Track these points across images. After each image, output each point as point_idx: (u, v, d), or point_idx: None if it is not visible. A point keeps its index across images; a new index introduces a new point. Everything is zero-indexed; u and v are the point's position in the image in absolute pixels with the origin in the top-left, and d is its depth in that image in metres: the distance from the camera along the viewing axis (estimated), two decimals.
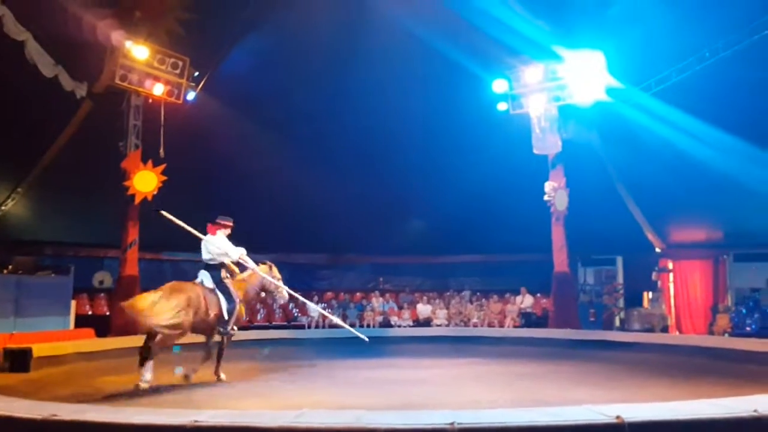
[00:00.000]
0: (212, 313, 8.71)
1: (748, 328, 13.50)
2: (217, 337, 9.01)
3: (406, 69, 15.66)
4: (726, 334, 13.32)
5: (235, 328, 9.14)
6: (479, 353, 12.73)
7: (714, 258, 15.85)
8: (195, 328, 8.66)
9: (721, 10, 12.09)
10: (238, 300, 9.07)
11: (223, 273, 9.15)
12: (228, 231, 9.31)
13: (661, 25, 12.82)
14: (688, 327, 15.97)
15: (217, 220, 9.28)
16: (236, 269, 9.43)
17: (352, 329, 10.19)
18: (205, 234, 9.27)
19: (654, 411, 4.37)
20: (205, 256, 9.17)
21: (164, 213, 9.00)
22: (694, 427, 4.16)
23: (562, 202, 15.44)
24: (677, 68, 13.36)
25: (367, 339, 9.80)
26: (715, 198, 14.28)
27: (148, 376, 8.12)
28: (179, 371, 8.83)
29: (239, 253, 9.29)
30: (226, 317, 8.85)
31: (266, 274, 9.67)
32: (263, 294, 9.95)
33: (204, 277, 9.07)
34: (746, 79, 12.36)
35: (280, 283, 9.68)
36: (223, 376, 9.08)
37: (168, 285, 8.56)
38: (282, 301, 10.42)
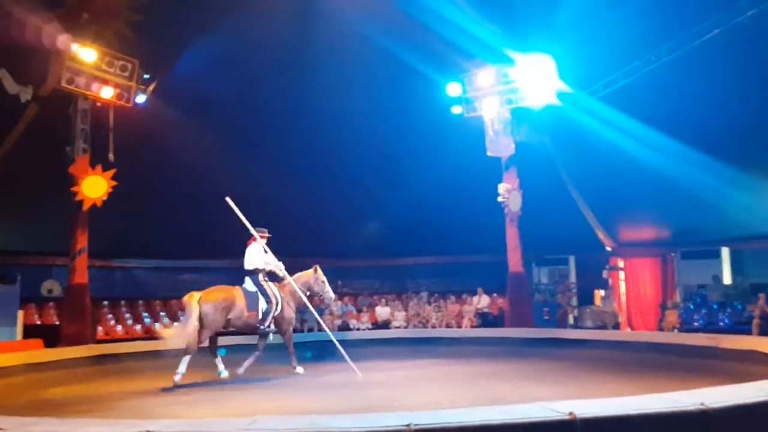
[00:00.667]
0: (248, 313, 9.85)
1: (695, 324, 13.94)
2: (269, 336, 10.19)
3: (360, 71, 15.67)
4: (675, 330, 13.72)
5: (272, 327, 10.22)
6: (438, 354, 12.80)
7: (662, 256, 16.32)
8: (234, 326, 9.96)
9: (666, 15, 12.47)
10: (275, 301, 10.12)
11: (261, 277, 10.22)
12: (264, 240, 10.36)
13: (608, 29, 13.13)
14: (638, 323, 16.39)
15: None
16: (280, 273, 10.50)
17: (348, 360, 10.16)
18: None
19: (605, 406, 4.45)
20: (246, 264, 10.26)
21: (229, 200, 10.08)
22: (644, 422, 4.26)
23: (516, 204, 15.67)
24: (624, 72, 13.74)
25: (360, 375, 9.80)
26: (662, 198, 14.73)
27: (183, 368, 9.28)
28: (224, 374, 9.79)
29: (264, 261, 10.28)
30: (260, 317, 9.93)
31: (311, 276, 10.80)
32: (308, 294, 10.84)
33: (246, 281, 10.19)
34: (690, 83, 12.77)
35: (326, 285, 10.68)
36: (299, 369, 10.21)
37: (212, 287, 9.84)
38: (329, 302, 11.48)
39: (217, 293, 9.68)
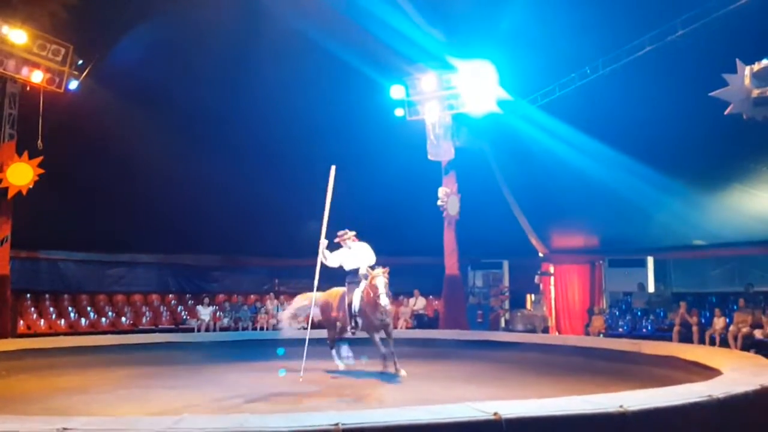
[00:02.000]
0: (336, 314, 10.19)
1: (620, 329, 14.44)
2: (378, 335, 9.78)
3: (302, 70, 15.60)
4: (600, 335, 14.14)
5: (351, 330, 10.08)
6: (371, 354, 12.81)
7: (591, 263, 16.83)
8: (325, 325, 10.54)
9: (602, 31, 12.91)
10: (357, 303, 9.84)
11: (349, 279, 10.13)
12: (345, 242, 10.18)
13: (548, 41, 13.49)
14: (566, 328, 16.85)
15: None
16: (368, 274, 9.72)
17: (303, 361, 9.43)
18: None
19: (529, 407, 4.57)
20: (354, 265, 10.14)
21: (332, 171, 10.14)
22: (567, 422, 4.40)
23: (454, 208, 15.87)
24: (561, 83, 14.14)
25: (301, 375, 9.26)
26: (592, 206, 15.20)
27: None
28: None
29: (332, 260, 10.12)
30: (347, 317, 9.91)
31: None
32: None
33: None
34: (624, 95, 13.26)
35: (381, 289, 9.42)
36: (403, 372, 9.54)
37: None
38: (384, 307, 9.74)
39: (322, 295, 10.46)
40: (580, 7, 12.68)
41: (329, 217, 9.95)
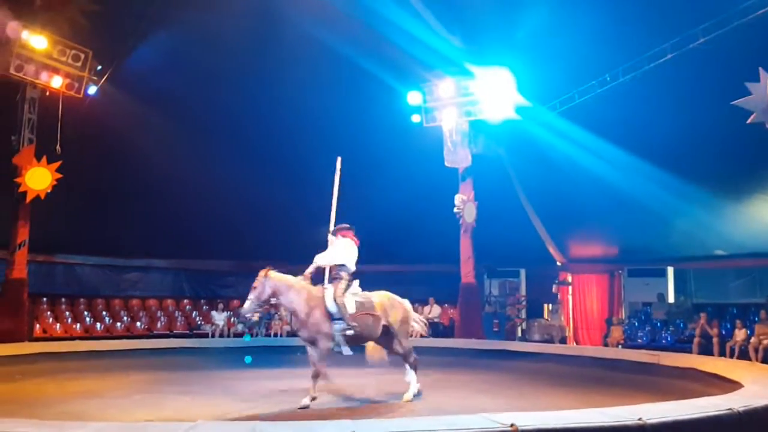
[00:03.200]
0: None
1: (639, 340, 14.21)
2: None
3: (319, 76, 15.59)
4: (619, 346, 13.94)
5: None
6: (385, 363, 12.72)
7: (610, 273, 16.63)
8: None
9: (622, 38, 12.79)
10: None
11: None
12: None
13: (567, 48, 13.38)
14: (584, 338, 16.65)
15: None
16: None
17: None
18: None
19: (547, 419, 4.48)
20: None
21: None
22: None
23: (471, 215, 15.76)
24: (580, 90, 14.02)
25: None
26: (612, 215, 15.03)
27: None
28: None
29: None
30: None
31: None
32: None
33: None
34: (644, 102, 13.12)
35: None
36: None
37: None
38: None
39: None
40: (600, 14, 12.58)
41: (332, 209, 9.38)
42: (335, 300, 8.02)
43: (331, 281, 8.38)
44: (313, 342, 8.01)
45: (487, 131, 15.94)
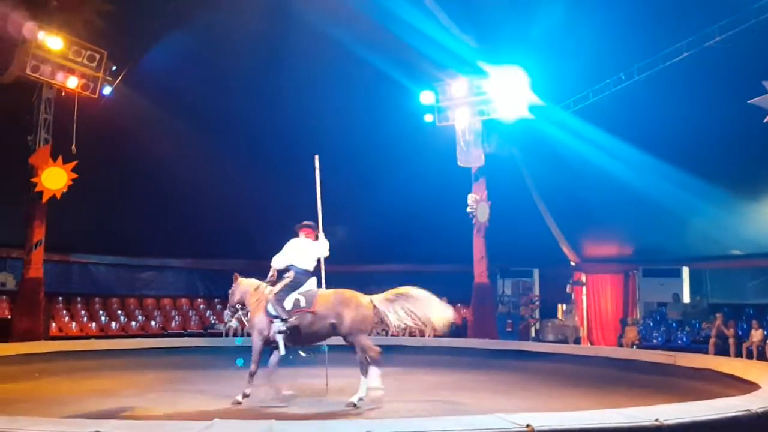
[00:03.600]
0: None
1: (654, 341, 14.10)
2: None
3: (333, 76, 15.63)
4: (634, 346, 13.85)
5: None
6: (400, 362, 12.70)
7: (624, 272, 16.51)
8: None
9: (637, 37, 12.71)
10: None
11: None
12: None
13: (581, 47, 13.31)
14: (598, 338, 16.55)
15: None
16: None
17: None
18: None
19: (563, 419, 4.45)
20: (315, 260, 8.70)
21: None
22: None
23: (484, 215, 15.72)
24: (594, 89, 13.94)
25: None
26: (626, 214, 14.94)
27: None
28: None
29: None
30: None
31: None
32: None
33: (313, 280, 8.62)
34: (660, 101, 13.02)
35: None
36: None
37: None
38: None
39: None
40: (615, 12, 12.50)
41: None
42: (269, 299, 8.08)
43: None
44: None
45: (500, 131, 15.87)
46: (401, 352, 14.61)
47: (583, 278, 17.44)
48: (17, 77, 13.17)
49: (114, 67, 14.34)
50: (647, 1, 12.50)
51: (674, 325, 14.41)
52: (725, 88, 11.61)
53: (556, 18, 13.28)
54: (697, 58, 11.86)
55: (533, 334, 16.90)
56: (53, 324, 14.89)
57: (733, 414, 4.80)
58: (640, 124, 13.21)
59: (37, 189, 13.33)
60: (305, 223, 8.84)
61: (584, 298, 17.30)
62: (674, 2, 12.06)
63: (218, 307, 18.35)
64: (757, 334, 11.86)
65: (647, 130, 13.11)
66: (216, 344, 14.75)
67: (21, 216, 13.79)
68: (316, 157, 9.66)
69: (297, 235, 8.70)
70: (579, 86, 14.28)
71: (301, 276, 8.29)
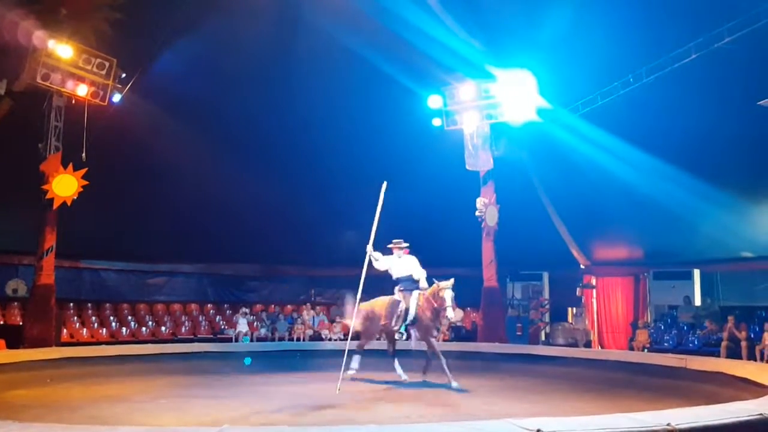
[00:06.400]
0: (385, 322, 10.42)
1: (666, 344, 14.03)
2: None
3: (340, 80, 15.64)
4: (645, 350, 13.78)
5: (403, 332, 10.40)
6: (409, 367, 12.69)
7: (635, 275, 16.44)
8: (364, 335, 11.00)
9: (645, 39, 12.66)
10: (413, 310, 10.22)
11: (401, 286, 10.68)
12: (396, 250, 10.81)
13: (589, 49, 13.27)
14: (609, 342, 16.48)
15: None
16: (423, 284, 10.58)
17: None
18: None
19: (573, 424, 4.44)
20: (401, 273, 10.66)
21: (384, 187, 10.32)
22: None
23: (493, 218, 15.67)
24: (602, 92, 13.91)
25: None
26: (636, 217, 14.88)
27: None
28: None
29: (382, 262, 10.65)
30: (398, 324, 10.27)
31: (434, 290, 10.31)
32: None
33: (398, 291, 10.65)
34: (669, 103, 12.96)
35: (448, 301, 10.04)
36: (454, 384, 9.64)
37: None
38: (446, 321, 11.05)
39: (365, 305, 10.62)
40: (623, 14, 12.47)
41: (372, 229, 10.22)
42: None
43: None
44: None
45: (508, 134, 15.84)
46: (410, 356, 14.60)
47: (593, 281, 17.37)
48: (28, 85, 13.25)
49: (123, 75, 14.40)
50: (655, 2, 12.45)
51: (685, 328, 14.32)
52: (735, 90, 11.55)
53: (563, 21, 13.24)
54: (707, 59, 11.79)
55: (543, 338, 16.84)
56: (64, 330, 14.96)
57: (747, 418, 4.75)
58: (649, 127, 13.16)
59: (48, 196, 13.40)
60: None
61: (594, 301, 17.24)
62: (683, 3, 12.00)
63: (228, 312, 18.42)
64: None
65: (656, 132, 13.06)
66: (226, 349, 14.79)
67: (32, 223, 13.87)
68: (384, 183, 10.50)
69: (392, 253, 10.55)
70: (587, 89, 14.25)
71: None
